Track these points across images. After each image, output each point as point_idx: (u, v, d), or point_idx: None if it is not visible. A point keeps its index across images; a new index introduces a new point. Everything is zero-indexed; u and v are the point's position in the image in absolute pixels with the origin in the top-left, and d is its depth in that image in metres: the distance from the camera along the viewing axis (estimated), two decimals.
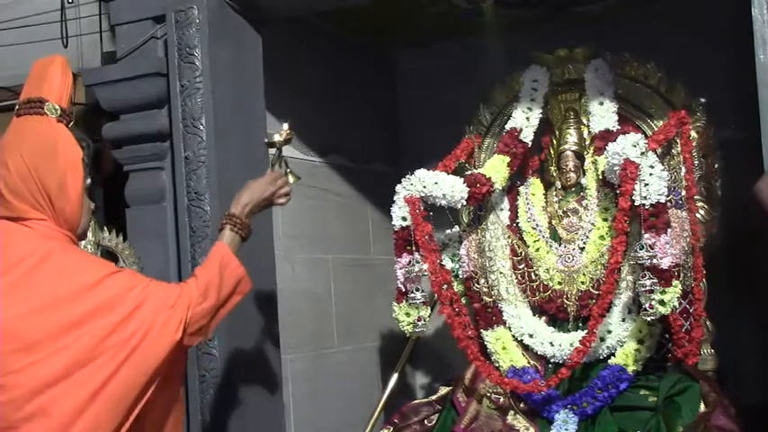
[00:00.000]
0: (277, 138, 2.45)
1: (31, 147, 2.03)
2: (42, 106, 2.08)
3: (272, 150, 2.49)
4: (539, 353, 3.55)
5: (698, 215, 3.46)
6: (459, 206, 3.64)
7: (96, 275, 2.01)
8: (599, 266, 3.46)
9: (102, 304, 1.98)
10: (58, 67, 2.13)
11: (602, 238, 3.50)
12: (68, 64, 2.18)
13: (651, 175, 3.13)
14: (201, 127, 3.37)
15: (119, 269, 2.11)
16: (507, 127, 3.77)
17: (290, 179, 2.48)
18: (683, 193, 3.43)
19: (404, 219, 3.47)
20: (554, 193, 3.71)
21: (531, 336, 3.57)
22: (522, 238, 3.69)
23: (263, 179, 2.45)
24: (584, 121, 3.68)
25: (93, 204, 2.19)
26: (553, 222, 3.67)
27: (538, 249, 3.64)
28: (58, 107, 2.08)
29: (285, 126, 2.46)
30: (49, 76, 2.12)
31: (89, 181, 2.14)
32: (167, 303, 2.06)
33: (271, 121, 3.75)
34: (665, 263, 3.10)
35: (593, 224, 3.55)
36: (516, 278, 3.66)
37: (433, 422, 3.54)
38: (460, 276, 3.77)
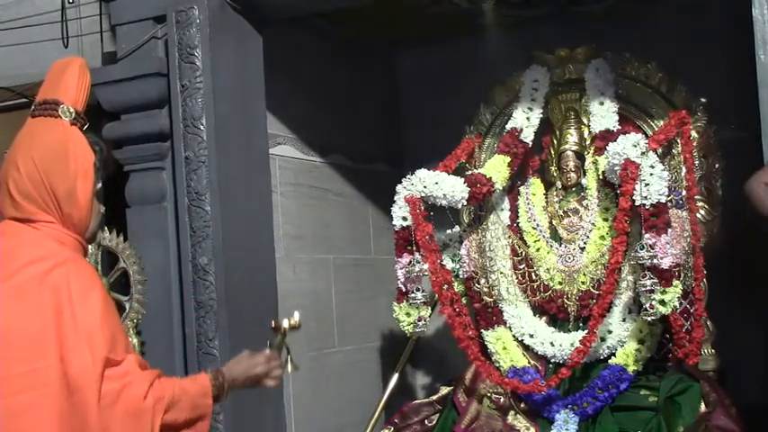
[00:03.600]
0: (285, 324, 2.39)
1: (43, 150, 2.01)
2: (57, 109, 2.06)
3: (277, 335, 2.43)
4: (539, 353, 3.55)
5: (698, 215, 3.46)
6: (459, 206, 3.64)
7: (102, 305, 1.99)
8: (599, 266, 3.46)
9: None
10: (75, 69, 2.11)
11: (602, 238, 3.50)
12: (86, 66, 2.15)
13: (652, 175, 3.13)
14: (202, 127, 3.37)
15: (124, 301, 2.08)
16: (508, 127, 3.77)
17: (289, 368, 2.42)
18: (684, 193, 3.43)
19: (404, 219, 3.47)
20: (554, 193, 3.71)
21: (531, 336, 3.58)
22: (522, 238, 3.69)
23: (260, 357, 2.31)
24: (585, 121, 3.68)
25: (104, 208, 2.18)
26: (554, 222, 3.67)
27: (538, 249, 3.64)
28: (72, 110, 2.07)
29: (297, 315, 2.40)
30: (66, 79, 2.10)
31: (100, 185, 2.12)
32: (141, 389, 1.94)
33: (271, 121, 3.75)
34: (666, 263, 3.10)
35: (593, 224, 3.55)
36: (517, 278, 3.66)
37: (434, 422, 3.54)
38: (461, 276, 3.77)
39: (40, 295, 1.93)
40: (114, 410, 1.90)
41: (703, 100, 3.58)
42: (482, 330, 3.66)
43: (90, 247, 3.24)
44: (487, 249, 3.70)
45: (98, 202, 2.12)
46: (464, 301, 3.67)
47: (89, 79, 2.13)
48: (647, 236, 3.09)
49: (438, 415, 3.56)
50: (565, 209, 3.65)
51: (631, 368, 3.33)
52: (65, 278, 1.95)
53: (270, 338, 2.39)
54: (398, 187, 3.53)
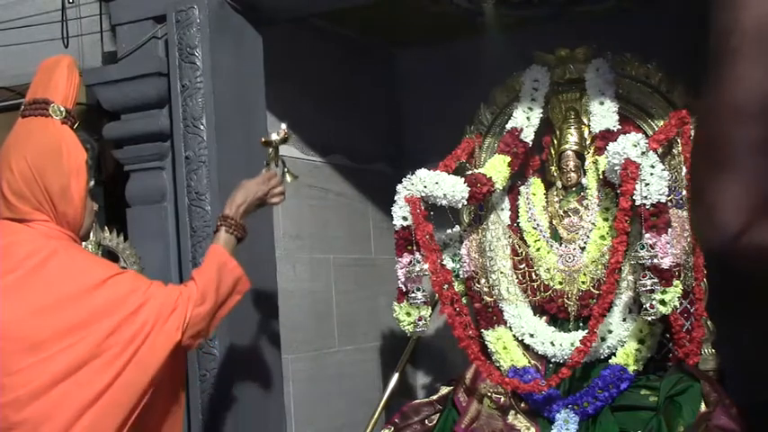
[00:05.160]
0: (274, 137, 2.43)
1: (35, 149, 2.02)
2: (47, 108, 2.06)
3: (269, 150, 2.47)
4: (539, 352, 3.55)
5: None
6: (459, 206, 3.64)
7: (100, 276, 2.01)
8: (600, 266, 3.47)
9: (106, 304, 1.98)
10: (64, 68, 2.12)
11: (602, 237, 3.50)
12: (75, 64, 2.16)
13: (652, 174, 3.14)
14: (202, 127, 3.37)
15: (122, 270, 2.11)
16: (508, 127, 3.77)
17: (288, 178, 2.46)
18: (684, 192, 3.43)
19: (405, 218, 3.47)
20: (555, 193, 3.71)
21: (531, 335, 3.58)
22: (522, 238, 3.69)
23: (257, 179, 2.42)
24: (585, 120, 3.68)
25: (97, 205, 2.19)
26: (554, 222, 3.67)
27: (538, 249, 3.64)
28: (62, 109, 2.07)
29: (283, 126, 2.44)
30: (55, 77, 2.11)
31: (92, 183, 2.14)
32: (168, 305, 2.06)
33: (271, 121, 3.75)
34: (666, 262, 3.10)
35: (593, 224, 3.55)
36: (517, 278, 3.66)
37: (434, 422, 3.54)
38: (461, 276, 3.77)
39: (39, 289, 1.94)
40: (145, 342, 1.98)
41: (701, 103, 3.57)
42: (482, 330, 3.66)
43: (90, 246, 3.26)
44: (488, 249, 3.70)
45: (91, 200, 2.13)
46: (464, 301, 3.67)
47: (78, 78, 2.15)
48: (647, 236, 3.09)
49: (438, 415, 3.56)
50: (565, 209, 3.65)
51: (632, 368, 3.33)
52: (61, 268, 1.96)
53: (265, 156, 2.44)
54: (399, 187, 3.53)
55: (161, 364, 2.02)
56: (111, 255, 3.39)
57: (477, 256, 3.75)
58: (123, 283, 2.04)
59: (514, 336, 3.62)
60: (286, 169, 2.43)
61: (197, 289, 2.15)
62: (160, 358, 2.02)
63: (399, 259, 3.48)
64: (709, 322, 3.46)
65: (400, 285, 3.49)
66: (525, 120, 3.74)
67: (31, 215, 2.02)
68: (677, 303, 3.19)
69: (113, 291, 2.00)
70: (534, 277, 3.62)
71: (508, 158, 3.70)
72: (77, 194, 2.04)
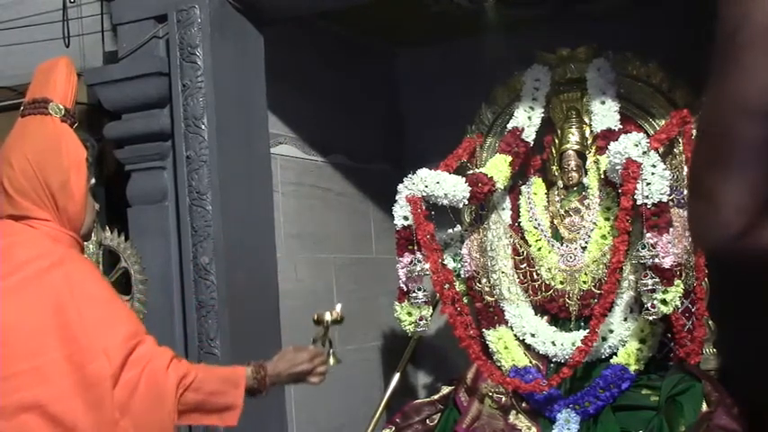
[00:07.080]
0: (327, 316, 2.38)
1: (35, 145, 2.03)
2: (47, 106, 2.07)
3: (320, 328, 2.42)
4: (540, 352, 3.55)
5: None
6: (460, 206, 3.64)
7: (104, 295, 2.00)
8: (601, 266, 3.47)
9: (105, 322, 1.95)
10: (62, 69, 2.13)
11: (603, 237, 3.50)
12: (73, 65, 2.17)
13: (653, 174, 3.14)
14: (203, 126, 3.37)
15: (125, 301, 2.09)
16: (509, 126, 3.77)
17: (332, 361, 2.41)
18: (685, 192, 3.43)
19: (406, 218, 3.47)
20: (556, 193, 3.71)
21: (532, 335, 3.58)
22: (523, 238, 3.69)
23: (304, 354, 2.32)
24: (586, 120, 3.68)
25: (98, 206, 2.19)
26: (555, 222, 3.67)
27: (540, 249, 3.64)
28: (62, 107, 2.08)
29: (338, 307, 2.39)
30: (54, 78, 2.11)
31: (93, 181, 2.14)
32: (163, 358, 1.96)
33: (272, 120, 3.75)
34: (667, 262, 3.10)
35: (594, 223, 3.55)
36: (518, 277, 3.66)
37: (435, 422, 3.55)
38: (462, 276, 3.77)
39: (40, 294, 1.93)
40: (137, 391, 1.91)
41: (705, 99, 3.57)
42: (483, 330, 3.66)
43: (91, 246, 3.26)
44: (489, 249, 3.70)
45: (92, 199, 2.13)
46: (465, 301, 3.67)
47: (76, 78, 2.16)
48: (648, 235, 3.09)
49: (439, 414, 3.57)
50: (566, 208, 3.65)
51: (633, 367, 3.33)
52: (65, 277, 1.95)
53: (314, 333, 2.38)
54: (400, 187, 3.53)
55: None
56: (111, 254, 3.39)
57: (478, 256, 3.75)
58: (125, 309, 2.03)
59: (515, 335, 3.62)
60: (332, 351, 2.39)
61: (197, 376, 2.03)
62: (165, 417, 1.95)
63: (400, 259, 3.48)
64: (710, 322, 3.46)
65: (401, 285, 3.49)
66: (526, 119, 3.74)
67: (32, 211, 2.01)
68: (678, 303, 3.20)
69: (115, 312, 1.98)
70: (535, 277, 3.62)
71: (509, 158, 3.70)
72: (78, 190, 2.04)
